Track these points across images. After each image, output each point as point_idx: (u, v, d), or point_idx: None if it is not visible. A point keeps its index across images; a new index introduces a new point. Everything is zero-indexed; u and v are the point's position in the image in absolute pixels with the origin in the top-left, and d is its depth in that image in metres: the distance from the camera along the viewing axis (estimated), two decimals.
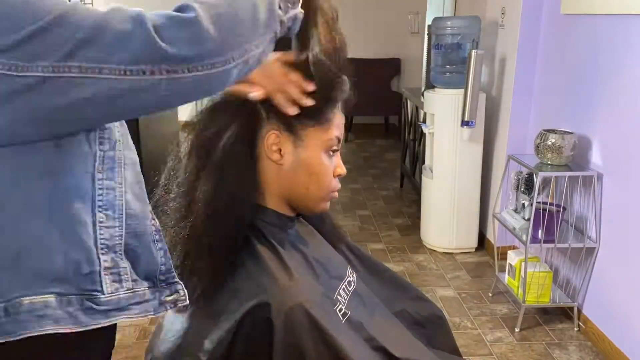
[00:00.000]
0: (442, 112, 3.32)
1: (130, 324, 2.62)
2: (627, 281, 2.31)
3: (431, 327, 1.16)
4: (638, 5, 2.19)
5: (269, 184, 0.91)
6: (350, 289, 1.02)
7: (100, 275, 0.78)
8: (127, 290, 0.80)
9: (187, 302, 0.87)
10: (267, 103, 0.86)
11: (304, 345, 0.83)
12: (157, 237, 0.85)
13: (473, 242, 3.49)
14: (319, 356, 0.84)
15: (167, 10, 0.70)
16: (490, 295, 2.95)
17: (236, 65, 0.73)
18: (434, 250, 3.51)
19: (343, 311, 0.95)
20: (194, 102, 0.88)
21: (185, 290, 0.87)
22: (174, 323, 0.93)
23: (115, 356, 2.84)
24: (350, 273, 1.06)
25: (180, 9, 0.70)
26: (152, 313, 0.83)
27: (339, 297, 0.97)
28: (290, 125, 0.87)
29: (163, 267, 0.85)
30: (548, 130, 2.60)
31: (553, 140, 2.53)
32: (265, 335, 0.83)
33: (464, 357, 1.23)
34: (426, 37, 5.25)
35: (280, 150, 0.88)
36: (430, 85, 3.54)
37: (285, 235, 0.96)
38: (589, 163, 2.58)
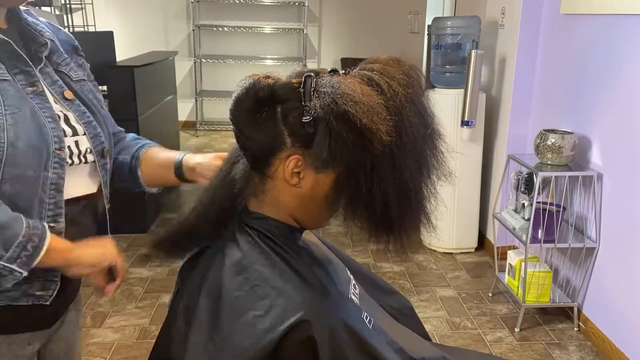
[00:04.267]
0: (442, 112, 3.30)
1: (130, 324, 2.62)
2: (627, 281, 2.32)
3: (403, 319, 1.14)
4: (638, 5, 2.19)
5: (281, 202, 0.89)
6: (356, 292, 1.00)
7: None
8: None
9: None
10: (294, 131, 0.83)
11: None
12: None
13: (473, 242, 3.49)
14: None
15: None
16: (490, 295, 2.95)
17: None
18: (434, 250, 3.51)
19: (368, 318, 0.93)
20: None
21: None
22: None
23: (115, 356, 2.83)
24: (350, 275, 1.04)
25: None
26: None
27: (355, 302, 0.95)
28: (318, 159, 0.84)
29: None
30: (548, 130, 2.60)
31: (553, 140, 2.53)
32: (309, 354, 0.80)
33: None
34: (426, 37, 5.27)
35: (300, 173, 0.86)
36: (430, 85, 3.54)
37: (300, 246, 0.93)
38: (589, 163, 2.58)
